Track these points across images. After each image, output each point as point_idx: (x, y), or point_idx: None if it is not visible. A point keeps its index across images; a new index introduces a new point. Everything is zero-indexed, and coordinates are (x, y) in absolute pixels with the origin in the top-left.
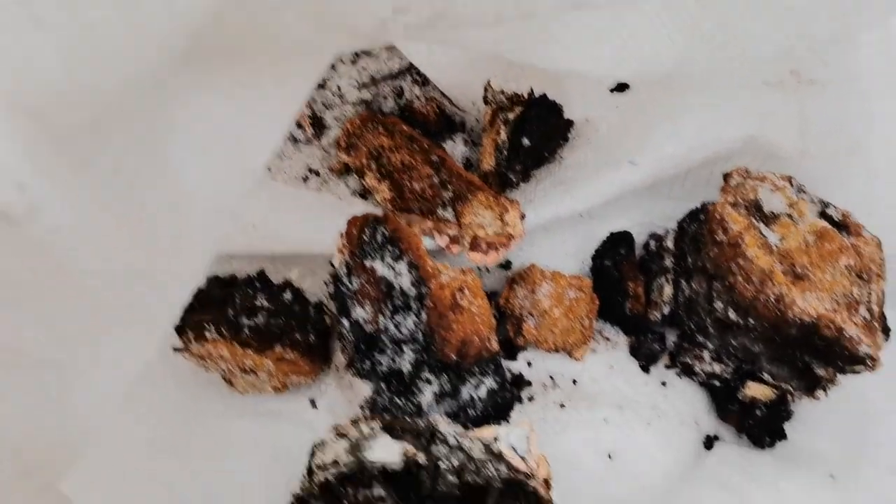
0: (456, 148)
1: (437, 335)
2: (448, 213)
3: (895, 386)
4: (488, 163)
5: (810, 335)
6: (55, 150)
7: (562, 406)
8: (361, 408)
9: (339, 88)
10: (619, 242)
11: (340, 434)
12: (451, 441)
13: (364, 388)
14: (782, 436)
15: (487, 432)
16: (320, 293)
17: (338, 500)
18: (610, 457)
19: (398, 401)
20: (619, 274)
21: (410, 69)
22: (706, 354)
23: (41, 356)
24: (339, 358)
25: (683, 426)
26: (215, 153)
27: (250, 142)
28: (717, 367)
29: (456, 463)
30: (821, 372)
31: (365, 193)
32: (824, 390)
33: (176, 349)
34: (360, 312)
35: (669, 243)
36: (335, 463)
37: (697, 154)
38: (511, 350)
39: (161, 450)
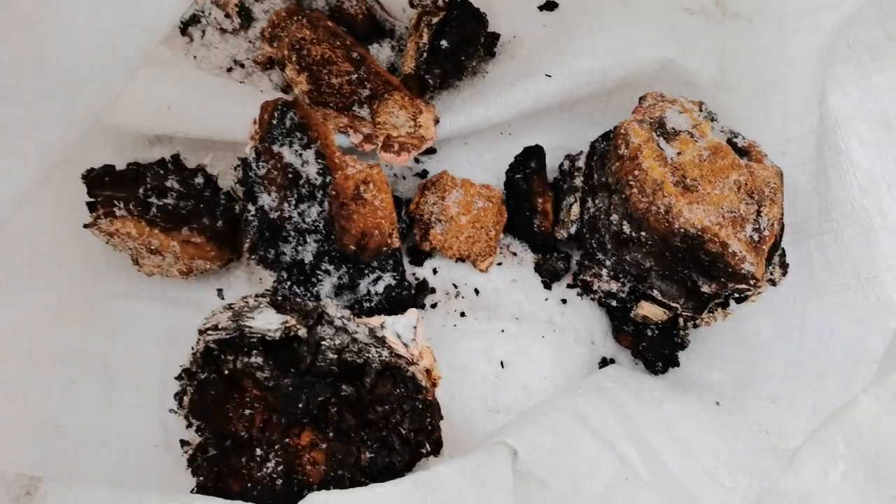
0: (382, 52)
1: (338, 224)
2: (364, 112)
3: (785, 322)
4: (409, 65)
5: (696, 249)
6: None
7: (462, 315)
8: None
9: None
10: (530, 156)
11: (228, 307)
12: (337, 323)
13: (271, 282)
14: (675, 363)
15: (375, 319)
16: (232, 181)
17: (218, 367)
18: (502, 365)
19: (298, 290)
20: (528, 188)
21: None
22: (604, 272)
23: None
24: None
25: (578, 343)
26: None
27: None
28: (613, 286)
29: (338, 342)
30: (707, 289)
31: (287, 88)
32: (712, 313)
33: (86, 225)
34: (266, 199)
35: (581, 162)
36: (216, 328)
37: (613, 73)
38: (418, 256)
39: (63, 321)
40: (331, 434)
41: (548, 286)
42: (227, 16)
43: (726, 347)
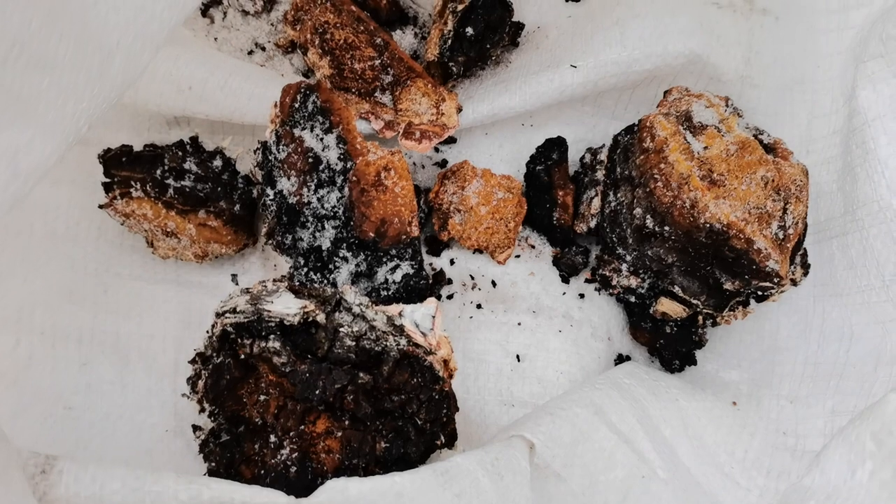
0: (405, 39)
1: (357, 210)
2: (386, 98)
3: (805, 322)
4: (433, 52)
5: (720, 245)
6: None
7: (479, 306)
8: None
9: None
10: (552, 148)
11: (246, 290)
12: (356, 310)
13: (286, 268)
14: (692, 361)
15: (394, 308)
16: (251, 164)
17: (234, 351)
18: (518, 359)
19: (314, 276)
20: (549, 180)
21: None
22: (624, 267)
23: None
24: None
25: (595, 339)
26: None
27: None
28: (633, 281)
29: (356, 329)
30: (729, 286)
31: (308, 73)
32: (733, 311)
33: (101, 205)
34: (286, 183)
35: (604, 155)
36: (234, 311)
37: (640, 65)
38: (436, 246)
39: (76, 301)
40: (346, 422)
41: (566, 280)
42: None
43: (744, 346)
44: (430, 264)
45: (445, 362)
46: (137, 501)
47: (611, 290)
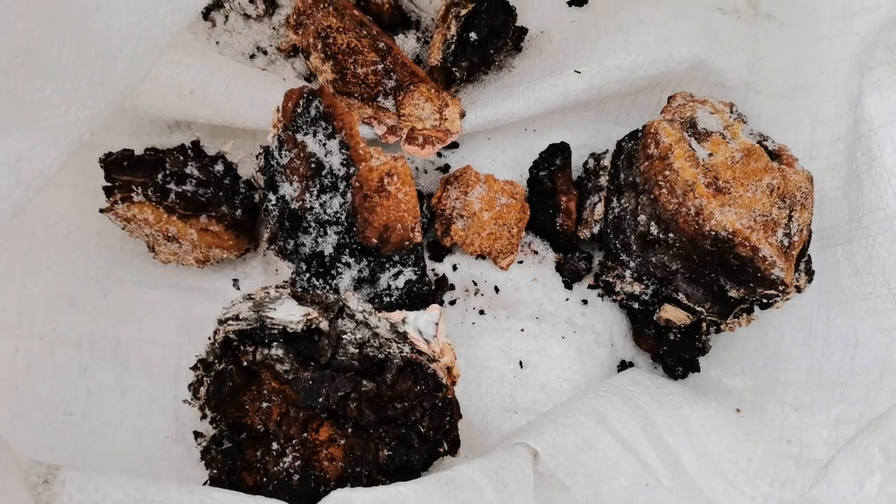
0: (407, 43)
1: (360, 216)
2: (388, 103)
3: (809, 329)
4: (436, 57)
5: (725, 252)
6: None
7: (481, 312)
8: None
9: None
10: (555, 153)
11: (249, 297)
12: (359, 317)
13: (288, 273)
14: (696, 368)
15: (397, 315)
16: (253, 169)
17: (236, 358)
18: (521, 365)
19: (317, 282)
20: (552, 185)
21: None
22: (627, 274)
23: None
24: (265, 232)
25: (598, 346)
26: None
27: None
28: (636, 288)
29: (359, 336)
30: (734, 294)
31: (310, 77)
32: (737, 319)
33: (102, 209)
34: (288, 189)
35: (607, 161)
36: (237, 318)
37: (644, 70)
38: (439, 252)
39: (76, 306)
40: (349, 430)
41: (569, 286)
42: (252, 1)
43: (748, 353)
44: (433, 270)
45: (448, 369)
46: None
47: (614, 297)
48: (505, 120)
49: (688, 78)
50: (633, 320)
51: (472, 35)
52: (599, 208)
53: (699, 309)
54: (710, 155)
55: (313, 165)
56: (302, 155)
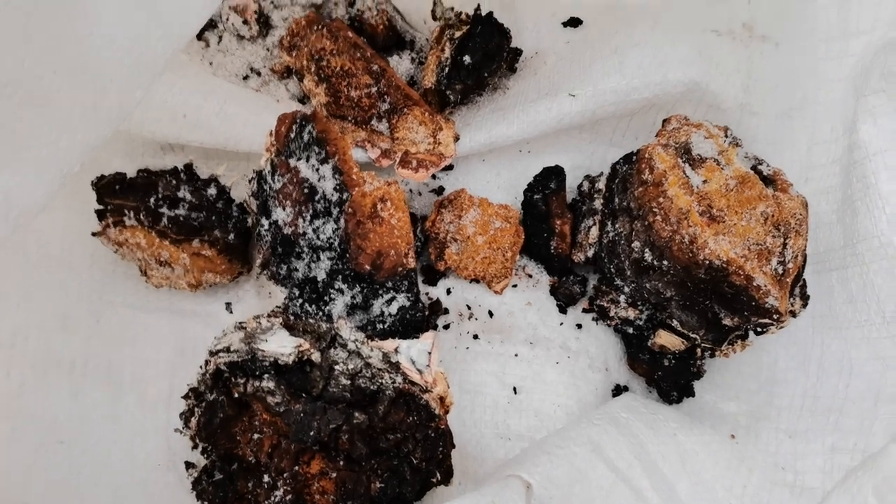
0: (401, 64)
1: (353, 242)
2: (382, 126)
3: (804, 353)
4: (430, 80)
5: (719, 281)
6: None
7: (475, 337)
8: (272, 312)
9: None
10: (549, 176)
11: (240, 327)
12: (351, 346)
13: (282, 297)
14: (690, 393)
15: (389, 344)
16: (246, 193)
17: (227, 389)
18: (515, 391)
19: (309, 308)
20: (546, 209)
21: None
22: (622, 299)
23: None
24: (258, 257)
25: (592, 370)
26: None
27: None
28: (631, 313)
29: (352, 367)
30: (728, 322)
31: (304, 99)
32: (732, 345)
33: (94, 233)
34: (281, 214)
35: (602, 184)
36: (228, 350)
37: (639, 94)
38: (432, 275)
39: (68, 329)
40: (341, 462)
41: (563, 310)
42: (245, 22)
43: (742, 378)
44: (427, 293)
45: (441, 399)
46: None
47: (608, 321)
48: (499, 143)
49: (683, 100)
50: (627, 345)
51: (467, 58)
52: (594, 232)
53: (693, 336)
54: (705, 182)
55: (306, 191)
56: (295, 180)
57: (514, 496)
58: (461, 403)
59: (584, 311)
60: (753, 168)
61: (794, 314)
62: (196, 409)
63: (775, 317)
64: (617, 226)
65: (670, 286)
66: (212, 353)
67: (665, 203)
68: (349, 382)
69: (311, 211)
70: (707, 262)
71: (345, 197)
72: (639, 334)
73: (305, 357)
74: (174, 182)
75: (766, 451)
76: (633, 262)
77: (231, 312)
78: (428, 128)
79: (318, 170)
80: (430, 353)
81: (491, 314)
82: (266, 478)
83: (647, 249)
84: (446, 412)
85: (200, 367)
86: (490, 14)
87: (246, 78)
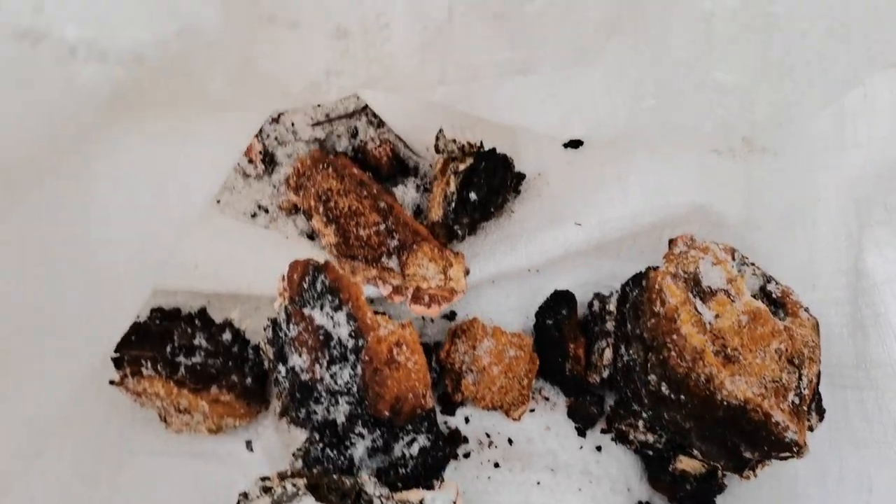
0: (407, 193)
1: (371, 391)
2: (392, 263)
3: (823, 467)
4: (436, 213)
5: (738, 418)
6: None
7: (496, 465)
8: (294, 456)
9: (292, 125)
10: (561, 302)
11: (265, 489)
12: (376, 503)
13: (301, 435)
14: None
15: (414, 496)
16: (261, 334)
17: None
18: None
19: (330, 453)
20: (560, 334)
21: (366, 109)
22: (640, 423)
23: None
24: (277, 403)
25: (615, 493)
26: (146, 197)
27: (187, 184)
28: (650, 437)
29: None
30: (748, 455)
31: (313, 234)
32: (753, 471)
33: (112, 382)
34: (297, 360)
35: (613, 306)
36: None
37: (643, 219)
38: (450, 405)
39: (90, 479)
40: None
41: (582, 433)
42: (251, 161)
43: (763, 492)
44: (445, 422)
45: None
46: None
47: (628, 445)
48: (508, 271)
49: (686, 220)
50: (647, 465)
51: (473, 195)
52: (608, 353)
53: (714, 464)
54: (717, 317)
55: (321, 337)
56: (310, 328)
57: None
58: None
59: (603, 431)
60: (762, 289)
61: (811, 429)
62: None
63: (795, 449)
64: (631, 351)
65: (689, 419)
66: None
67: (679, 340)
68: None
69: (327, 357)
70: (725, 402)
71: (360, 343)
72: (659, 457)
73: None
74: (189, 330)
75: None
76: (649, 393)
77: (252, 451)
78: (438, 264)
79: (332, 317)
80: (454, 503)
81: (510, 441)
82: None
83: (663, 383)
84: None
85: None
86: (493, 150)
87: (254, 216)
